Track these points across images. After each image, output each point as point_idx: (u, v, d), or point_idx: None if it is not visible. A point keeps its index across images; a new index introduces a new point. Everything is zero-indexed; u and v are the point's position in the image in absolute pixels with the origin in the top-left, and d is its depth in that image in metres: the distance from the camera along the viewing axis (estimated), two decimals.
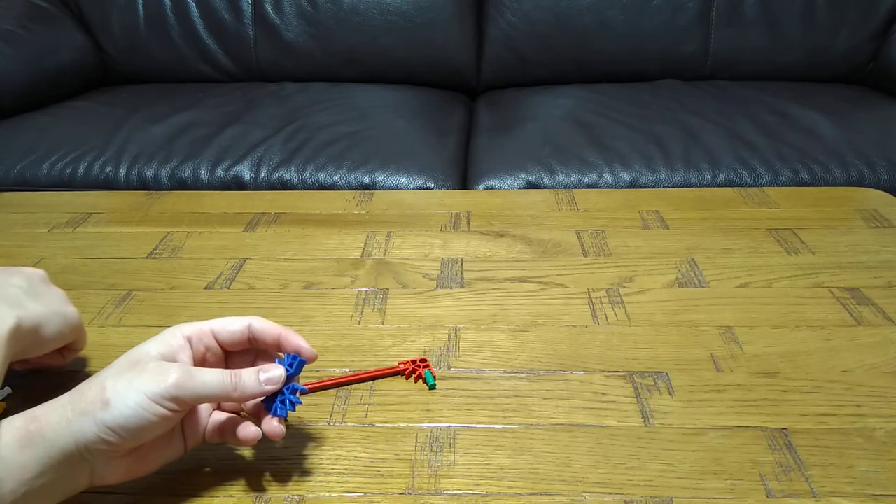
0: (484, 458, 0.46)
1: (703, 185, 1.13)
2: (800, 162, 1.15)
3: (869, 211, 0.78)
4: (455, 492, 0.43)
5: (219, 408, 0.45)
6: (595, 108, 1.38)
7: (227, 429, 0.43)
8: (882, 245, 0.71)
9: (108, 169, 1.21)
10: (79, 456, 0.37)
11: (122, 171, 1.20)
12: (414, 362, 0.54)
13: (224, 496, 0.43)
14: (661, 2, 1.51)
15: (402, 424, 0.49)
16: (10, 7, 1.51)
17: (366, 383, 0.53)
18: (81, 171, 1.21)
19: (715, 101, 1.39)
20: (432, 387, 0.52)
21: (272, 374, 0.42)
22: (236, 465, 0.45)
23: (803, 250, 0.70)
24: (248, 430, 0.43)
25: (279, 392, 0.43)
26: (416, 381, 0.53)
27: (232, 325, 0.44)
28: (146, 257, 0.72)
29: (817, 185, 1.12)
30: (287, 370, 0.43)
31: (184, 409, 0.39)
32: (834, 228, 0.75)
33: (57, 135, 1.30)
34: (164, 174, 1.19)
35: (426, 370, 0.53)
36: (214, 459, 0.46)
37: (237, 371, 0.41)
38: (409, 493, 0.43)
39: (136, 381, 0.38)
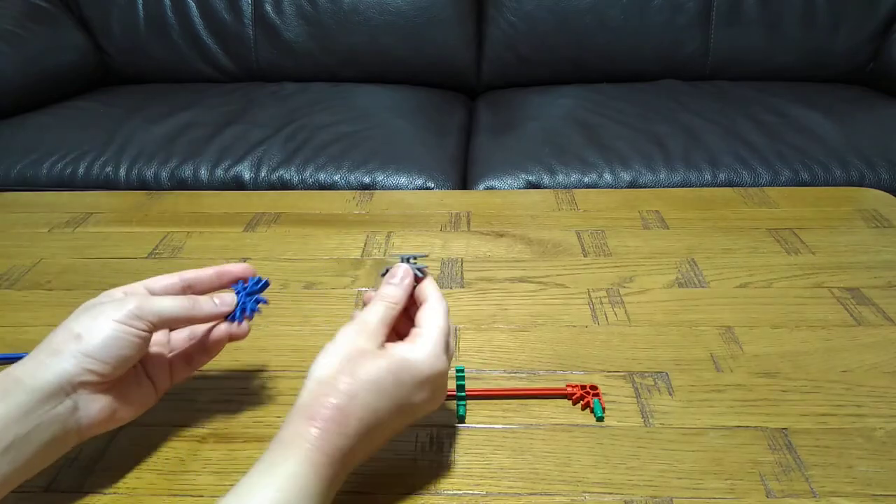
0: (484, 458, 0.46)
1: (703, 185, 1.13)
2: (800, 162, 1.15)
3: (869, 211, 0.78)
4: (455, 492, 0.43)
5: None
6: (595, 108, 1.38)
7: (193, 353, 0.46)
8: (882, 245, 0.71)
9: (108, 169, 1.21)
10: (62, 392, 0.38)
11: (122, 171, 1.20)
12: (583, 387, 0.51)
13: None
14: (661, 2, 1.51)
15: None
16: (9, 7, 1.51)
17: None
18: (81, 171, 1.21)
19: (715, 101, 1.39)
20: (600, 419, 0.48)
21: (225, 297, 0.45)
22: (237, 466, 0.45)
23: (803, 250, 0.70)
24: (216, 332, 0.45)
25: (239, 304, 0.46)
26: (582, 410, 0.50)
27: (165, 280, 0.46)
28: (146, 257, 0.72)
29: (817, 185, 1.12)
30: (240, 291, 0.46)
31: (150, 329, 0.41)
32: (834, 228, 0.75)
33: (57, 135, 1.30)
34: (164, 174, 1.19)
35: (595, 399, 0.50)
36: (215, 459, 0.46)
37: (193, 296, 0.44)
38: (409, 493, 0.43)
39: (100, 316, 0.40)
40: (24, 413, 0.37)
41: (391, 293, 0.44)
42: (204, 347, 0.46)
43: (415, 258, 0.46)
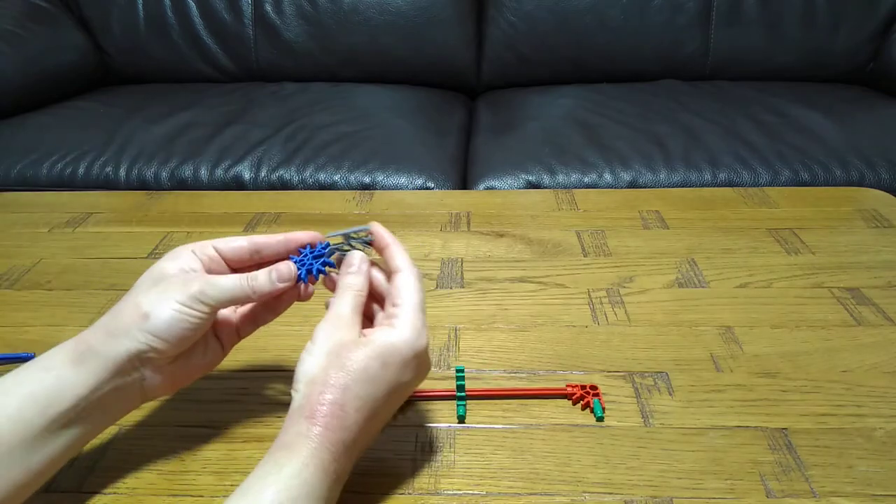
0: (484, 458, 0.46)
1: (703, 185, 1.13)
2: (800, 162, 1.15)
3: (869, 211, 0.78)
4: (455, 492, 0.43)
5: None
6: (595, 108, 1.38)
7: (258, 312, 0.47)
8: (882, 245, 0.71)
9: (108, 169, 1.21)
10: (130, 366, 0.41)
11: (122, 171, 1.20)
12: (583, 387, 0.51)
13: (224, 496, 0.43)
14: (661, 2, 1.51)
15: (403, 424, 0.49)
16: (9, 7, 1.51)
17: None
18: (81, 171, 1.21)
19: (715, 101, 1.39)
20: (600, 419, 0.49)
21: (282, 271, 0.45)
22: (237, 466, 0.45)
23: (803, 250, 0.70)
24: (287, 295, 0.46)
25: (305, 265, 0.46)
26: (582, 410, 0.50)
27: (234, 242, 0.46)
28: (146, 257, 0.72)
29: (817, 185, 1.12)
30: (307, 254, 0.46)
31: (212, 311, 0.42)
32: (834, 228, 0.75)
33: (57, 135, 1.30)
34: (164, 174, 1.19)
35: (595, 399, 0.50)
36: (215, 459, 0.46)
37: (252, 273, 0.44)
38: (409, 493, 0.43)
39: (165, 295, 0.41)
40: (98, 382, 0.39)
41: (355, 282, 0.44)
42: (270, 307, 0.47)
43: (355, 233, 0.46)
